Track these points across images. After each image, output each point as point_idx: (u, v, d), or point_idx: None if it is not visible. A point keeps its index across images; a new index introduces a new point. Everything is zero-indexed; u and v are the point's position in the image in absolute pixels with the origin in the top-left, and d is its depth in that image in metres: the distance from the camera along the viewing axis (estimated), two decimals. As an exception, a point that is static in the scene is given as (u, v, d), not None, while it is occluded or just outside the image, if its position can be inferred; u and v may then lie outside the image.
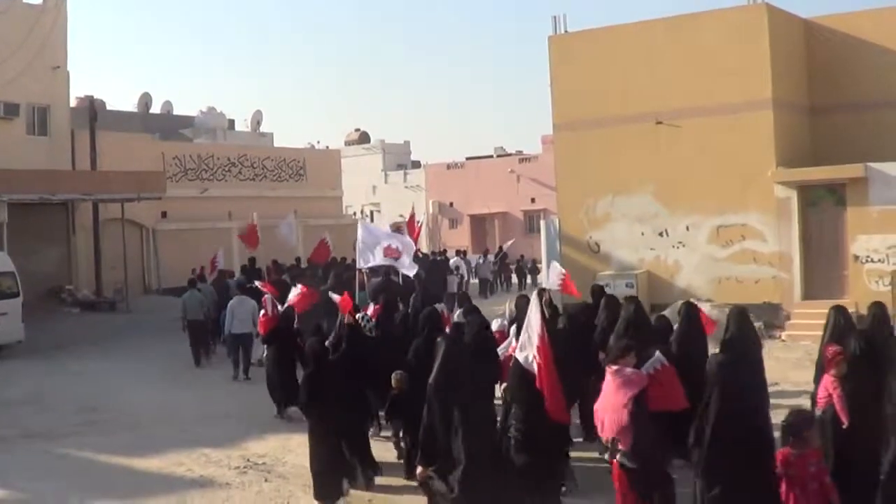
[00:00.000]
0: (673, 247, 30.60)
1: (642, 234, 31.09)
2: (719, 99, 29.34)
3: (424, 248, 57.40)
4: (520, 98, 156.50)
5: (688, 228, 30.30)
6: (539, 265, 43.80)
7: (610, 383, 11.02)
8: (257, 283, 25.58)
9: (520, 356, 12.21)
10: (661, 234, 30.81)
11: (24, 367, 27.00)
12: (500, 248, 52.87)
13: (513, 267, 49.65)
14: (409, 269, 23.44)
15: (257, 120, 64.18)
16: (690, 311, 15.41)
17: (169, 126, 57.75)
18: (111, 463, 16.87)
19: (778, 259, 28.79)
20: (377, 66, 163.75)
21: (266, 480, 15.25)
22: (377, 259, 23.40)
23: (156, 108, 61.20)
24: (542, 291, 16.46)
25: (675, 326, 15.34)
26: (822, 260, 28.37)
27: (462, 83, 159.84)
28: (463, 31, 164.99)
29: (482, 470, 10.49)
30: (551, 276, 22.69)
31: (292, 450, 16.73)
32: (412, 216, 39.54)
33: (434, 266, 40.08)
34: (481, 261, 47.25)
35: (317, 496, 13.97)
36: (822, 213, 28.58)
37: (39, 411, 21.31)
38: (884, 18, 30.42)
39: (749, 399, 10.11)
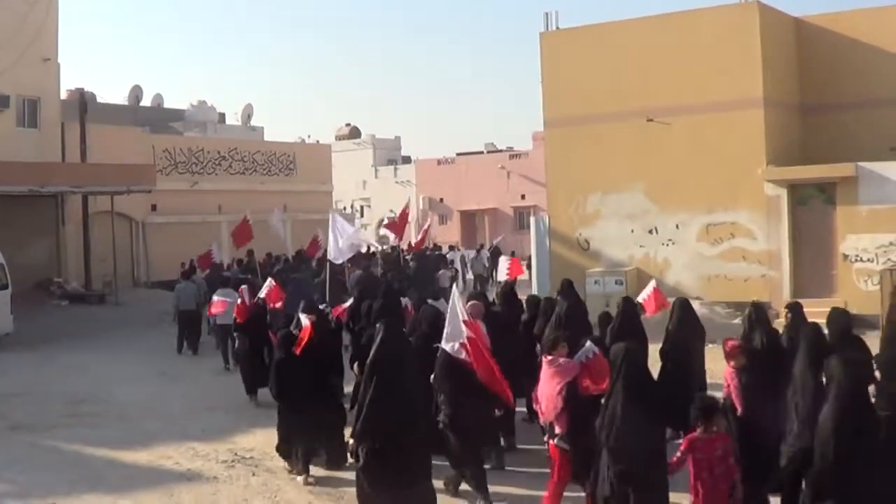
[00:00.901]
0: (663, 244, 30.64)
1: (632, 231, 31.12)
2: (710, 97, 29.37)
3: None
4: (510, 94, 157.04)
5: (677, 226, 30.34)
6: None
7: (546, 372, 12.19)
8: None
9: (446, 346, 12.92)
10: (650, 232, 30.84)
11: (13, 360, 26.92)
12: (493, 243, 52.94)
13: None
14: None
15: (248, 114, 64.21)
16: (626, 306, 16.36)
17: (159, 119, 57.75)
18: (99, 455, 16.82)
19: (767, 257, 28.85)
20: (368, 61, 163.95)
21: (254, 474, 15.22)
22: (345, 254, 23.90)
23: (146, 101, 61.25)
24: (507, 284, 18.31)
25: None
26: (812, 259, 28.44)
27: (453, 79, 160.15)
28: (454, 28, 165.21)
29: (385, 447, 11.11)
30: (501, 268, 23.63)
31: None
32: (405, 210, 39.61)
33: (424, 261, 40.09)
34: (475, 256, 47.28)
35: (278, 451, 15.36)
36: (812, 211, 28.63)
37: (27, 404, 21.23)
38: (875, 18, 30.49)
39: (649, 385, 10.72)
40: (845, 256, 27.69)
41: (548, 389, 12.01)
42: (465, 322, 12.87)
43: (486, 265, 47.01)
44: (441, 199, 66.81)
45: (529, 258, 46.16)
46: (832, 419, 8.87)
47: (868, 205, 27.36)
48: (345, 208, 65.23)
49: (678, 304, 15.23)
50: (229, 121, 64.26)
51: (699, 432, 10.28)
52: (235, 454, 16.39)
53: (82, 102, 41.70)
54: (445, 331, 13.07)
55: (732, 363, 12.25)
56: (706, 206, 29.67)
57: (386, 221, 51.98)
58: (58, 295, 38.52)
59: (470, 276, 45.78)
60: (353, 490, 13.83)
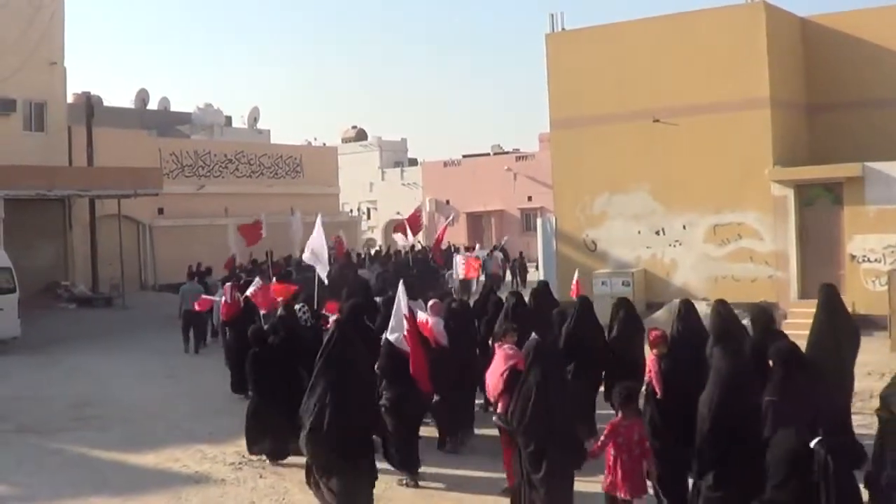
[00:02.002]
0: (670, 245, 30.60)
1: (639, 232, 31.08)
2: (716, 97, 29.33)
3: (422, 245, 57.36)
4: (517, 96, 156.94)
5: (684, 227, 30.30)
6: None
7: (496, 358, 13.72)
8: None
9: (391, 337, 14.74)
10: (657, 233, 30.81)
11: (20, 363, 26.98)
12: (500, 244, 52.96)
13: (507, 265, 49.54)
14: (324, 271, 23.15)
15: (254, 117, 64.22)
16: (583, 303, 17.60)
17: (166, 122, 57.78)
18: (106, 458, 16.85)
19: (774, 258, 28.80)
20: (375, 63, 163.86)
21: (261, 477, 15.25)
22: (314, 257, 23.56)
23: (153, 105, 61.27)
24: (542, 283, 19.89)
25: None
26: (819, 259, 28.36)
27: (459, 81, 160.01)
28: (460, 29, 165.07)
29: (322, 433, 12.19)
30: (457, 267, 24.28)
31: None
32: (417, 212, 39.87)
33: (425, 263, 40.12)
34: (489, 257, 47.34)
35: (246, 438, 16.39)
36: (819, 212, 28.57)
37: (34, 406, 21.27)
38: (881, 17, 30.42)
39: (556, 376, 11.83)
40: (852, 257, 27.62)
41: (493, 372, 13.48)
42: (405, 316, 14.48)
43: (501, 265, 47.16)
44: (447, 201, 66.73)
45: (524, 260, 46.49)
46: (709, 402, 10.01)
47: (875, 205, 27.30)
48: (351, 211, 65.19)
49: (683, 306, 15.30)
50: (236, 124, 64.28)
51: (621, 418, 11.45)
52: (243, 456, 16.40)
53: (89, 106, 41.77)
54: (391, 323, 14.85)
55: (655, 351, 13.17)
56: (713, 206, 29.63)
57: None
58: (65, 298, 38.58)
59: (481, 277, 45.85)
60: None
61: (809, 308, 19.01)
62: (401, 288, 15.05)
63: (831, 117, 30.85)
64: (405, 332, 14.57)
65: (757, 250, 29.13)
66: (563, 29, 33.21)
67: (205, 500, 14.20)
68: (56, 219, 40.52)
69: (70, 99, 44.38)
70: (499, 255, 48.15)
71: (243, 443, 17.06)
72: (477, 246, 50.41)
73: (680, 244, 30.41)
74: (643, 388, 13.29)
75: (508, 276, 47.19)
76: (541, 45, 33.14)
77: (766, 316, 14.80)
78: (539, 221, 35.81)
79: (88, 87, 61.92)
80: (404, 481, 14.65)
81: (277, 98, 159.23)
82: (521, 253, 50.90)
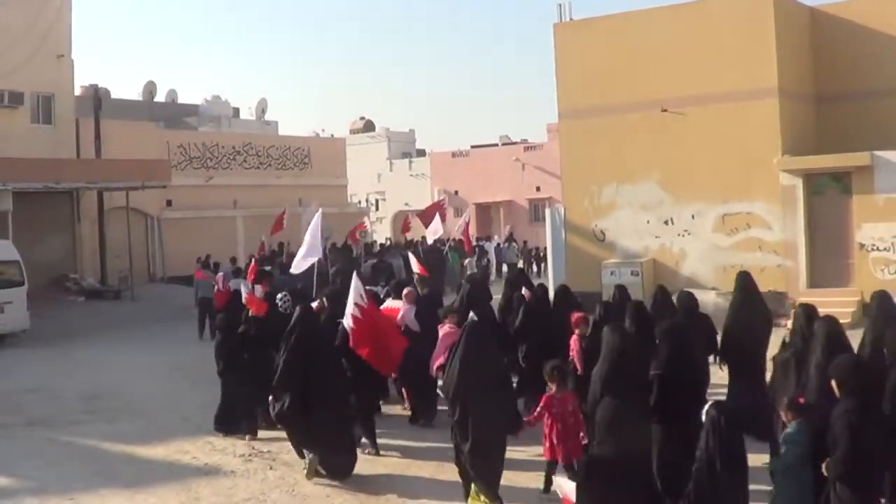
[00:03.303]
0: (678, 235, 30.58)
1: (647, 222, 31.07)
2: (725, 87, 29.29)
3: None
4: (525, 86, 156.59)
5: (693, 216, 30.28)
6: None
7: (440, 336, 15.89)
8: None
9: (345, 323, 15.79)
10: (666, 223, 30.78)
11: (29, 356, 27.04)
12: (507, 233, 53.17)
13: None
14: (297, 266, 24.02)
15: (262, 108, 64.17)
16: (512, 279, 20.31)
17: (174, 114, 57.79)
18: (116, 451, 16.88)
19: (783, 247, 28.77)
20: (382, 54, 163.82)
21: (271, 468, 15.26)
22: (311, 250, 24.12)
23: (160, 97, 61.23)
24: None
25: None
26: (828, 248, 28.34)
27: (467, 71, 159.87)
28: (468, 20, 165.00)
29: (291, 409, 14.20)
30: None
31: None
32: (436, 203, 40.26)
33: (434, 254, 40.25)
34: (506, 246, 47.64)
35: (216, 424, 17.41)
36: (828, 201, 28.53)
37: (44, 399, 21.32)
38: (890, 7, 30.34)
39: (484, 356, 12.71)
40: (861, 245, 27.59)
41: (438, 348, 15.73)
42: (356, 304, 15.51)
43: (518, 255, 48.43)
44: (456, 192, 66.61)
45: (545, 249, 46.60)
46: (599, 376, 10.87)
47: (884, 193, 27.26)
48: (360, 202, 65.15)
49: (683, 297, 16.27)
50: (244, 115, 64.23)
51: (554, 391, 12.60)
52: (252, 448, 16.43)
53: (96, 98, 41.78)
54: (347, 309, 15.78)
55: (577, 331, 14.85)
56: (722, 196, 29.60)
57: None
58: (74, 291, 38.64)
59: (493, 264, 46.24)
60: (371, 484, 13.95)
61: (818, 297, 19.10)
62: (354, 279, 16.15)
63: (840, 106, 30.78)
64: (352, 319, 15.61)
65: (766, 240, 29.10)
66: (571, 19, 33.16)
67: (215, 492, 14.20)
68: (64, 212, 40.53)
69: (78, 91, 44.36)
70: (516, 245, 48.56)
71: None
72: (496, 237, 50.70)
73: (689, 234, 30.38)
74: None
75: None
76: (549, 35, 33.12)
77: (690, 301, 15.98)
78: (548, 212, 35.75)
79: (96, 80, 61.87)
80: (367, 451, 15.66)
81: (285, 89, 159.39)
82: (525, 242, 51.10)
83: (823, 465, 9.09)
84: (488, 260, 44.09)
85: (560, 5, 33.13)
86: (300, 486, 14.26)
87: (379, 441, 16.02)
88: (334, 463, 14.42)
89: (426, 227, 38.46)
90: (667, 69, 30.43)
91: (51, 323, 31.15)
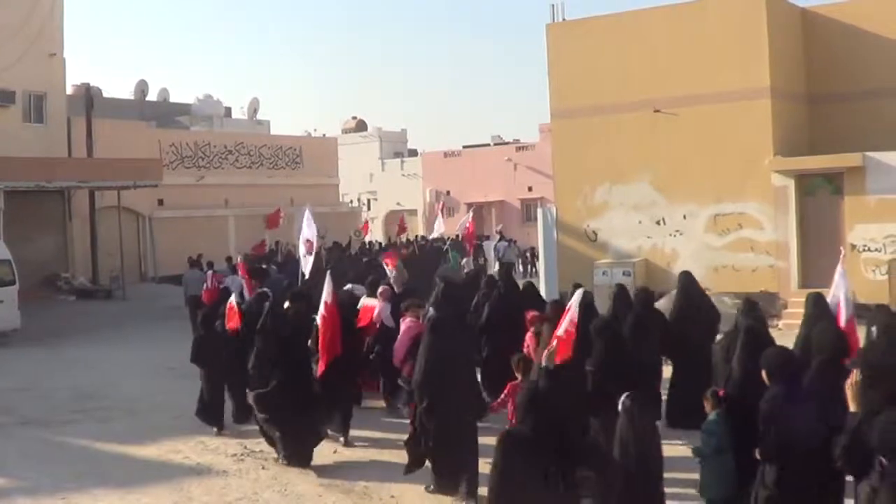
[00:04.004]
0: (670, 235, 30.59)
1: (640, 222, 31.06)
2: (717, 87, 29.29)
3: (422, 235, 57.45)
4: (517, 86, 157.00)
5: (685, 217, 30.27)
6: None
7: (402, 329, 16.72)
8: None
9: (317, 317, 16.35)
10: (658, 223, 30.79)
11: (21, 355, 27.00)
12: (498, 232, 53.37)
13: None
14: (306, 265, 24.10)
15: (254, 107, 64.18)
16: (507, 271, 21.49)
17: (165, 113, 57.73)
18: (108, 450, 16.86)
19: (775, 248, 28.79)
20: (374, 53, 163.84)
21: (263, 468, 15.24)
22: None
23: (152, 96, 61.16)
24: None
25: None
26: (820, 249, 28.33)
27: (459, 71, 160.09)
28: (460, 19, 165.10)
29: (275, 396, 15.03)
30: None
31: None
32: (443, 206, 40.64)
33: (426, 252, 40.45)
34: (505, 246, 47.89)
35: (198, 414, 17.92)
36: (820, 202, 28.56)
37: (35, 399, 21.28)
38: (882, 7, 30.36)
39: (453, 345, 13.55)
40: (853, 246, 27.58)
41: (399, 342, 16.63)
42: (324, 303, 16.01)
43: (518, 255, 49.06)
44: (448, 192, 66.69)
45: (534, 249, 46.77)
46: (424, 357, 12.81)
47: (876, 194, 27.29)
48: (351, 201, 65.20)
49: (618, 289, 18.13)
50: (235, 115, 64.24)
51: (520, 380, 13.03)
52: (245, 448, 16.39)
53: (88, 97, 41.78)
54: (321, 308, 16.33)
55: (532, 329, 15.37)
56: (714, 196, 29.61)
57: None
58: (65, 290, 38.63)
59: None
60: (362, 483, 13.98)
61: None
62: (327, 279, 16.59)
63: (832, 107, 30.81)
64: (321, 314, 16.14)
65: (757, 240, 29.12)
66: (563, 19, 33.14)
67: (207, 492, 14.18)
68: (56, 210, 40.53)
69: (69, 90, 44.36)
70: (515, 246, 48.94)
71: (245, 434, 17.10)
72: (498, 237, 50.93)
73: (681, 234, 30.39)
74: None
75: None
76: (541, 36, 33.12)
77: (646, 297, 16.95)
78: (540, 212, 35.76)
79: (88, 79, 62.11)
80: (339, 439, 16.47)
81: (277, 89, 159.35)
82: (514, 241, 51.35)
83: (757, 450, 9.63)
84: (485, 259, 44.38)
85: (553, 5, 33.14)
86: (292, 486, 14.26)
87: (365, 434, 16.78)
88: (295, 450, 15.21)
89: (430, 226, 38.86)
90: (659, 69, 30.44)
91: (42, 322, 31.10)
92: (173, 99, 63.06)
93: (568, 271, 30.47)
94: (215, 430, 17.58)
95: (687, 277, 17.91)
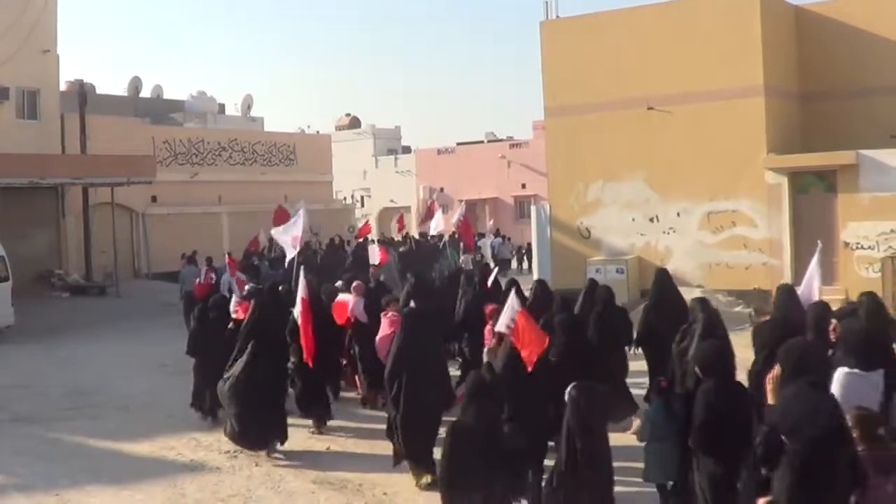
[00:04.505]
0: (664, 232, 30.62)
1: (633, 219, 31.09)
2: (711, 85, 29.33)
3: (415, 233, 57.49)
4: (511, 84, 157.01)
5: (678, 214, 30.31)
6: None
7: (382, 324, 17.24)
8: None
9: (295, 312, 17.15)
10: (651, 220, 30.82)
11: (14, 352, 26.97)
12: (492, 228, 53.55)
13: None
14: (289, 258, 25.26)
15: (248, 104, 64.09)
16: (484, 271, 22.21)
17: (159, 110, 57.64)
18: (101, 447, 16.87)
19: (768, 245, 28.83)
20: (368, 51, 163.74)
21: (257, 465, 15.26)
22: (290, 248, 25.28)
23: (146, 93, 61.06)
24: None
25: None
26: (813, 246, 28.26)
27: (453, 68, 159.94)
28: (454, 17, 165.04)
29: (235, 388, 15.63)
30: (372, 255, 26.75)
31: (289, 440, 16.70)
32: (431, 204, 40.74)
33: (422, 249, 40.59)
34: (500, 242, 48.19)
35: (193, 405, 18.41)
36: (813, 199, 28.60)
37: (29, 396, 21.27)
38: (875, 6, 30.42)
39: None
40: (846, 244, 27.66)
41: (381, 335, 17.05)
42: (301, 298, 16.75)
43: (512, 252, 50.10)
44: (441, 189, 66.64)
45: (530, 246, 46.89)
46: (395, 349, 13.43)
47: (869, 192, 27.33)
48: (345, 198, 65.17)
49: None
50: (229, 111, 64.18)
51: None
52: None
53: (82, 94, 41.71)
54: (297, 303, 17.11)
55: (491, 322, 15.47)
56: (707, 194, 29.64)
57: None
58: (58, 287, 38.57)
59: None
60: (355, 480, 14.00)
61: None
62: (302, 276, 17.34)
63: (825, 105, 30.85)
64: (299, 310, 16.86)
65: (751, 238, 29.15)
66: (557, 16, 33.21)
67: (200, 488, 14.20)
68: (49, 207, 40.47)
69: (63, 87, 44.31)
70: (510, 242, 49.22)
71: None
72: (490, 234, 51.11)
73: (674, 231, 30.43)
74: None
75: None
76: (535, 33, 33.11)
77: (608, 294, 17.66)
78: (533, 209, 35.80)
79: (81, 75, 61.69)
80: (311, 430, 17.19)
81: (271, 86, 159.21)
82: (529, 243, 51.53)
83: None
84: (482, 256, 44.66)
85: (547, 2, 33.17)
86: (285, 483, 14.28)
87: (352, 426, 17.40)
88: (252, 434, 15.71)
89: (426, 224, 38.94)
90: (653, 67, 30.46)
91: (35, 319, 31.05)
92: (167, 95, 63.00)
93: (561, 269, 30.55)
94: (210, 419, 17.93)
95: (663, 274, 18.61)
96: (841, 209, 27.90)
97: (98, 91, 53.21)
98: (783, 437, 7.82)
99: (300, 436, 16.74)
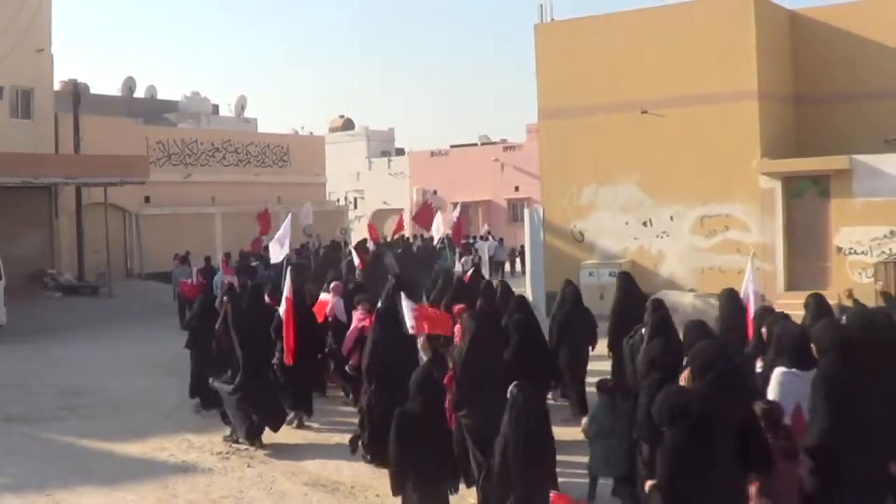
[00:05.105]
0: (657, 236, 30.63)
1: (626, 223, 31.10)
2: (705, 89, 29.35)
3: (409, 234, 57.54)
4: (504, 86, 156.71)
5: (672, 218, 30.32)
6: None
7: (353, 322, 17.68)
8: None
9: (280, 311, 17.79)
10: (645, 224, 30.83)
11: (6, 352, 26.93)
12: (486, 232, 53.57)
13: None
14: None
15: (241, 105, 64.01)
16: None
17: (153, 110, 57.54)
18: (93, 448, 16.87)
19: (761, 250, 28.82)
20: (362, 52, 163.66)
21: (249, 466, 15.26)
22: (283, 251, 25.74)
23: (140, 93, 60.97)
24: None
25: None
26: (806, 251, 28.44)
27: (447, 71, 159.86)
28: (448, 18, 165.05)
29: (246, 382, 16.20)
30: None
31: (275, 436, 16.71)
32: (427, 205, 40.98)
33: (414, 252, 40.80)
34: (497, 245, 48.36)
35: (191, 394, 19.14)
36: (806, 204, 28.63)
37: (21, 396, 21.27)
38: (869, 10, 30.47)
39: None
40: (839, 249, 27.69)
41: (350, 333, 17.45)
42: (286, 297, 17.51)
43: (507, 254, 50.51)
44: (435, 191, 66.61)
45: (523, 248, 46.97)
46: (458, 356, 12.92)
47: (862, 197, 27.36)
48: (338, 200, 65.14)
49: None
50: (223, 112, 64.04)
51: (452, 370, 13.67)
52: (230, 446, 16.42)
53: (76, 93, 41.66)
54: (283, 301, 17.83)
55: (459, 321, 15.36)
56: (701, 198, 29.66)
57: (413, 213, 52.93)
58: (51, 286, 38.51)
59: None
60: (348, 483, 13.99)
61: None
62: (289, 273, 18.30)
63: (819, 110, 30.88)
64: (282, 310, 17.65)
65: (744, 242, 29.13)
66: (552, 19, 33.19)
67: (192, 489, 14.20)
68: (42, 207, 40.39)
69: (57, 86, 44.20)
70: (506, 244, 49.45)
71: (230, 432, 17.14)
72: (490, 237, 51.28)
73: (667, 235, 30.44)
74: None
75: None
76: (529, 36, 33.14)
77: (573, 293, 18.12)
78: (526, 212, 35.75)
79: (75, 75, 61.48)
80: (294, 421, 17.72)
81: (265, 87, 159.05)
82: (522, 245, 51.61)
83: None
84: (480, 258, 44.93)
85: (541, 6, 33.19)
86: (277, 484, 14.28)
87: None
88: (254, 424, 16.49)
89: (423, 227, 39.07)
90: (647, 71, 30.48)
91: (28, 319, 31.02)
92: (161, 96, 62.89)
93: (554, 272, 30.50)
94: (203, 413, 18.58)
95: (626, 278, 19.26)
96: (834, 214, 27.94)
97: (92, 91, 53.06)
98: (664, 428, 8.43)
99: (299, 435, 16.89)
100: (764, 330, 12.23)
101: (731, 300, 15.71)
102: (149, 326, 30.83)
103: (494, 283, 21.92)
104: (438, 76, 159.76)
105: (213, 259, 34.20)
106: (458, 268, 34.07)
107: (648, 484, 8.67)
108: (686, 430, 8.14)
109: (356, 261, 29.06)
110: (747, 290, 16.64)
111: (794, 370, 10.23)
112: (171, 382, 22.01)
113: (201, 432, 17.33)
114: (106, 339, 29.23)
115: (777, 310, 14.17)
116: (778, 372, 10.36)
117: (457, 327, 16.18)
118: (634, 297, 18.01)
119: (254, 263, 35.46)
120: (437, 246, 39.31)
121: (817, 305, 13.64)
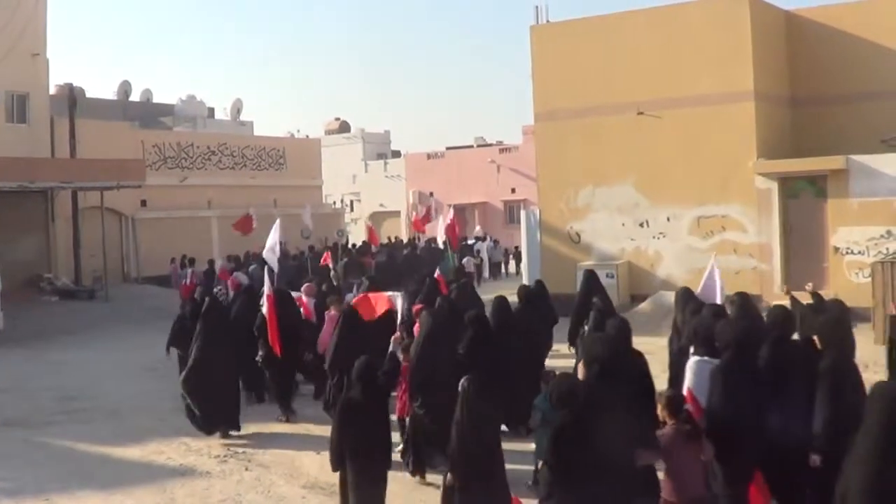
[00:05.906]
0: (654, 237, 30.64)
1: (623, 224, 31.10)
2: (701, 90, 29.36)
3: (404, 237, 57.56)
4: (500, 88, 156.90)
5: (668, 219, 30.33)
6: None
7: (326, 321, 18.62)
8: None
9: (263, 310, 18.64)
10: (641, 225, 30.83)
11: (3, 356, 26.91)
12: (481, 234, 53.68)
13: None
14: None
15: (237, 108, 64.04)
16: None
17: (148, 114, 57.57)
18: (91, 452, 16.84)
19: (758, 250, 28.85)
20: (357, 55, 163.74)
21: (247, 469, 15.25)
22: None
23: (135, 96, 61.00)
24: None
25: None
26: (803, 252, 28.45)
27: (443, 73, 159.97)
28: (444, 20, 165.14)
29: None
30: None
31: (273, 439, 16.70)
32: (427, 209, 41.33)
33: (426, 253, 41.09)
34: (494, 247, 48.53)
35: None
36: (803, 204, 28.64)
37: (18, 400, 21.25)
38: (865, 11, 30.46)
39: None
40: (836, 249, 27.70)
41: (324, 332, 18.34)
42: (267, 296, 18.42)
43: (503, 256, 51.41)
44: (431, 194, 66.61)
45: (519, 250, 47.02)
46: (413, 349, 14.15)
47: (859, 197, 27.37)
48: (334, 203, 65.12)
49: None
50: (219, 115, 64.08)
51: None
52: (228, 449, 16.42)
53: (71, 98, 41.58)
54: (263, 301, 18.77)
55: (419, 320, 16.18)
56: (697, 199, 29.66)
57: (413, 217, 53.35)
58: (48, 291, 38.44)
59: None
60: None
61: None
62: (266, 274, 19.81)
63: (815, 110, 30.89)
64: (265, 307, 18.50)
65: (741, 243, 29.17)
66: (547, 21, 33.20)
67: (190, 493, 14.18)
68: (38, 211, 40.33)
69: (52, 90, 44.19)
70: (502, 245, 49.61)
71: (228, 436, 17.12)
72: (488, 237, 51.40)
73: (664, 236, 30.45)
74: None
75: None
76: (525, 38, 33.14)
77: (537, 290, 19.19)
78: (523, 214, 35.78)
79: (71, 79, 61.83)
80: (279, 417, 18.47)
81: (261, 90, 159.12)
82: (517, 247, 51.73)
83: None
84: (482, 259, 45.21)
85: (537, 7, 33.22)
86: (276, 488, 14.26)
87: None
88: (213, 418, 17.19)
89: (419, 232, 39.27)
90: (643, 72, 30.48)
91: (25, 323, 31.00)
92: (156, 100, 62.94)
93: (551, 273, 30.49)
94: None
95: (590, 276, 20.48)
96: (831, 214, 27.95)
97: (87, 95, 53.07)
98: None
99: (298, 437, 16.80)
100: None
101: (685, 299, 15.87)
102: (146, 330, 30.77)
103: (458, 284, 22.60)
104: (434, 78, 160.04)
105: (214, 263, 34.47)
106: (469, 267, 34.50)
107: (541, 463, 9.60)
108: (571, 413, 9.35)
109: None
110: (708, 291, 16.96)
111: (706, 358, 11.59)
112: (168, 386, 21.93)
113: (199, 436, 17.27)
114: (103, 344, 29.21)
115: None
116: (692, 360, 11.77)
117: (416, 327, 16.95)
118: (596, 293, 18.82)
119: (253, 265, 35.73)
120: (442, 248, 39.57)
121: (741, 303, 14.71)
